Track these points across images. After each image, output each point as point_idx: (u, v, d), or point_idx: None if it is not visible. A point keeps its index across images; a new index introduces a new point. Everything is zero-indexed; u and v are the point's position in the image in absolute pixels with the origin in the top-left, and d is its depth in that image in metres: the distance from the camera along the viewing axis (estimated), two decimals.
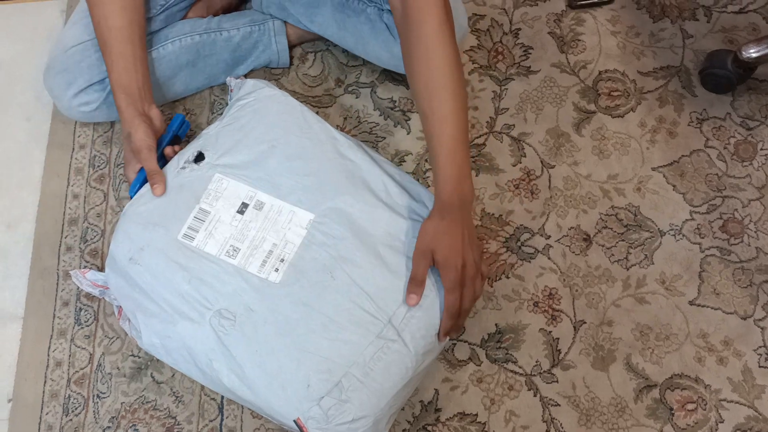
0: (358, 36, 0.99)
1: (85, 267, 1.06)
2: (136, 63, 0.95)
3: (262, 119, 0.93)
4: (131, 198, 0.91)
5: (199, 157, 0.91)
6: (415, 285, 0.83)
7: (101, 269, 1.05)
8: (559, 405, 0.95)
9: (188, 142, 0.96)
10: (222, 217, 0.87)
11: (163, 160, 0.93)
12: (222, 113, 0.99)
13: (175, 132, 0.97)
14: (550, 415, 0.95)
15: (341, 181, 0.90)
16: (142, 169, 0.90)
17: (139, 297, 0.86)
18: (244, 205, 0.88)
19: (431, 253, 0.82)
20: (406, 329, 0.83)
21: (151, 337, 0.85)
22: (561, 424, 0.94)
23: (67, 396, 0.98)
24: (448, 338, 0.87)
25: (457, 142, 0.83)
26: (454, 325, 0.84)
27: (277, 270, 0.85)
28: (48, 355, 1.01)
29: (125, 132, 0.92)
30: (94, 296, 1.04)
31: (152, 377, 0.98)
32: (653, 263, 1.03)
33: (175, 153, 0.93)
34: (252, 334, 0.82)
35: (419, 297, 0.83)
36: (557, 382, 0.97)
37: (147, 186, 0.90)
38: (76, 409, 0.97)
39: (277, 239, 0.87)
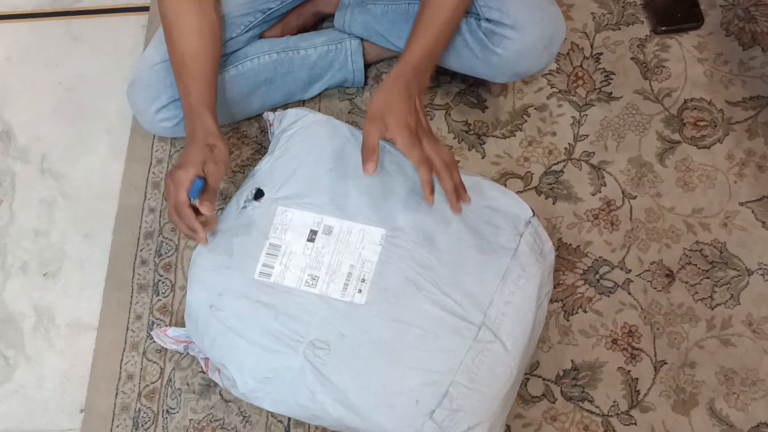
0: (451, 50, 0.97)
1: (159, 280, 1.07)
2: (212, 86, 0.94)
3: (313, 145, 0.93)
4: (190, 198, 0.85)
5: (258, 194, 0.91)
6: (367, 152, 0.79)
7: (173, 286, 1.06)
8: None
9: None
10: (294, 249, 0.87)
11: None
12: (270, 149, 0.98)
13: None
14: None
15: (403, 192, 0.89)
16: (196, 179, 0.84)
17: (227, 343, 0.85)
18: (313, 233, 0.87)
19: (382, 117, 0.79)
20: (501, 328, 0.82)
21: (247, 382, 0.84)
22: None
23: (137, 410, 0.99)
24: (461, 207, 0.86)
25: (441, 33, 0.87)
26: (430, 180, 0.81)
27: (360, 291, 0.84)
28: (120, 368, 1.02)
29: (209, 141, 0.87)
30: (167, 310, 1.05)
31: (221, 395, 0.99)
32: (740, 303, 0.98)
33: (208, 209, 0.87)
34: (350, 360, 0.82)
35: (375, 164, 0.79)
36: (635, 424, 0.93)
37: (211, 232, 0.88)
38: (145, 423, 0.98)
39: (353, 260, 0.86)
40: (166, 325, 1.01)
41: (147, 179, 1.15)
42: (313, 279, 0.86)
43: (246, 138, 1.16)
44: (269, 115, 1.03)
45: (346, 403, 0.81)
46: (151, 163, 1.16)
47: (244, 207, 0.91)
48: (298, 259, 0.86)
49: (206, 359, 0.92)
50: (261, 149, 1.15)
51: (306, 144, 0.94)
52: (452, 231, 0.86)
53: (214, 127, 0.90)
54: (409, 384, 0.80)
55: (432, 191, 0.82)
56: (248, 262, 0.87)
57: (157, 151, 1.18)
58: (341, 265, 0.86)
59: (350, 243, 0.87)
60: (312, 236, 0.87)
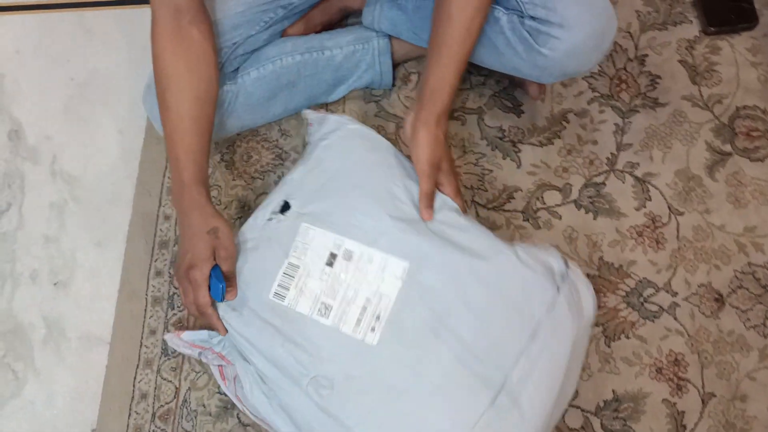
0: (490, 47, 0.90)
1: (174, 293, 1.02)
2: (206, 159, 0.87)
3: (347, 159, 0.87)
4: (217, 301, 0.82)
5: (285, 207, 0.85)
6: (430, 200, 0.82)
7: None
8: None
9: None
10: (311, 272, 0.81)
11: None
12: (304, 154, 0.92)
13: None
14: None
15: (440, 226, 0.82)
16: (214, 267, 0.81)
17: (237, 358, 0.81)
18: (333, 256, 0.81)
19: (439, 163, 0.83)
20: (523, 394, 0.74)
21: (255, 394, 0.80)
22: None
23: (151, 431, 0.94)
24: None
25: (460, 66, 0.84)
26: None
27: (373, 329, 0.78)
28: (133, 386, 0.97)
29: (209, 226, 0.82)
30: (182, 325, 1.00)
31: (238, 419, 0.94)
32: None
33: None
34: (353, 405, 0.76)
35: (431, 210, 0.82)
36: None
37: (240, 235, 0.86)
38: None
39: (370, 293, 0.79)
40: (181, 329, 0.95)
41: (162, 185, 1.09)
42: (326, 308, 0.80)
43: (266, 142, 1.10)
44: (309, 114, 0.96)
45: None
46: (165, 168, 1.10)
47: (270, 219, 0.85)
48: (313, 283, 0.80)
49: (220, 367, 0.87)
50: (282, 154, 1.09)
51: (340, 157, 0.88)
52: (483, 274, 0.79)
53: (211, 208, 0.84)
54: None
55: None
56: (265, 280, 0.82)
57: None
58: (357, 296, 0.80)
59: (369, 272, 0.80)
60: (331, 260, 0.81)
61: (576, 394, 0.90)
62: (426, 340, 0.76)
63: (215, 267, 0.80)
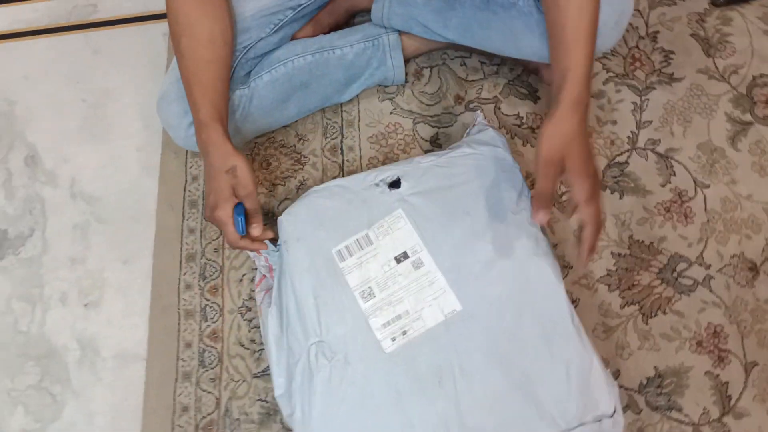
0: (507, 33, 0.90)
1: (206, 305, 1.02)
2: (223, 99, 0.88)
3: (475, 180, 0.87)
4: (240, 234, 0.83)
5: (395, 184, 0.87)
6: (544, 200, 0.72)
7: (222, 310, 1.01)
8: None
9: None
10: (378, 256, 0.83)
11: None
12: (449, 148, 0.93)
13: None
14: None
15: (512, 292, 0.81)
16: (238, 205, 0.83)
17: (276, 281, 0.85)
18: (405, 256, 0.82)
19: (562, 159, 0.71)
20: None
21: (272, 319, 0.85)
22: None
23: None
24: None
25: (591, 45, 0.75)
26: (594, 241, 0.73)
27: (393, 340, 0.79)
28: (174, 400, 0.97)
29: (227, 165, 0.83)
30: (217, 336, 1.00)
31: (281, 423, 0.93)
32: None
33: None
34: (336, 386, 0.78)
35: (548, 215, 0.73)
36: None
37: (338, 182, 0.88)
38: None
39: (412, 308, 0.80)
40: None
41: (183, 198, 1.09)
42: (370, 294, 0.81)
43: (284, 148, 1.10)
44: (478, 116, 0.97)
45: (306, 417, 0.78)
46: (186, 181, 1.10)
47: (377, 185, 0.88)
48: (374, 267, 0.82)
49: (263, 276, 0.91)
50: (300, 158, 1.09)
51: (471, 173, 0.88)
52: (518, 362, 0.77)
53: (228, 146, 0.84)
54: None
55: (590, 253, 0.74)
56: (338, 233, 0.85)
57: (191, 167, 1.12)
58: (400, 303, 0.81)
59: (424, 291, 0.81)
60: (401, 258, 0.82)
61: (618, 373, 0.90)
62: (427, 382, 0.77)
63: (239, 204, 0.82)
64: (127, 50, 1.25)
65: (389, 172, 0.89)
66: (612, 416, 0.77)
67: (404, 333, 0.80)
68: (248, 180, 0.83)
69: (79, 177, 1.15)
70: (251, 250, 0.86)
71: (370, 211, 0.86)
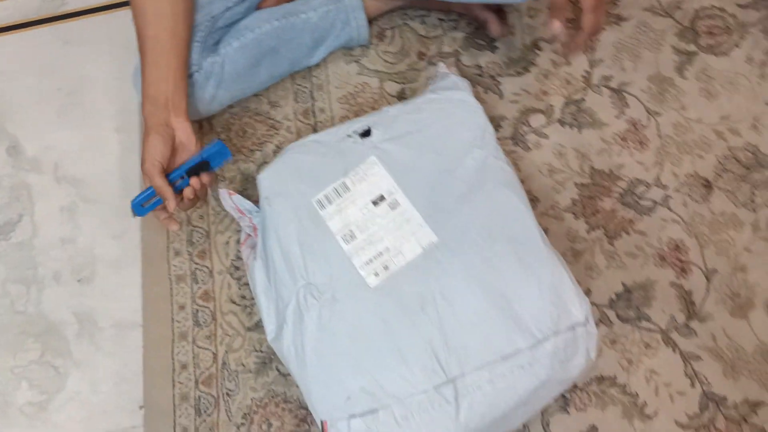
0: None
1: (196, 269, 1.06)
2: (169, 71, 0.92)
3: (441, 121, 0.92)
4: (131, 208, 0.92)
5: (367, 133, 0.92)
6: (558, 10, 0.83)
7: (211, 272, 1.05)
8: (701, 358, 0.91)
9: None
10: (356, 200, 0.87)
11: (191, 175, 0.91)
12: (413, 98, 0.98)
13: (206, 158, 0.92)
14: (692, 369, 0.91)
15: (484, 220, 0.86)
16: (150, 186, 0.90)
17: (261, 235, 0.90)
18: (381, 198, 0.87)
19: None
20: (467, 398, 0.78)
21: (259, 269, 0.90)
22: (705, 378, 0.90)
23: (197, 397, 0.99)
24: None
25: None
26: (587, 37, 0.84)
27: (377, 274, 0.84)
28: (173, 359, 1.01)
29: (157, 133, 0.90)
30: (209, 296, 1.04)
31: (278, 370, 0.98)
32: None
33: (202, 184, 0.92)
34: (326, 322, 0.82)
35: (563, 24, 0.83)
36: (696, 335, 0.93)
37: (312, 137, 0.93)
38: (207, 409, 0.98)
39: (392, 245, 0.85)
40: (233, 192, 1.00)
41: None
42: (351, 237, 0.86)
43: (258, 116, 1.15)
44: (440, 66, 1.02)
45: (299, 352, 0.82)
46: None
47: (349, 136, 0.92)
48: (353, 211, 0.87)
49: (248, 235, 0.96)
50: (275, 124, 1.14)
51: (437, 116, 0.93)
52: (494, 282, 0.82)
53: (148, 123, 0.90)
54: (354, 380, 0.79)
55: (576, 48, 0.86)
56: (317, 184, 0.89)
57: None
58: (380, 242, 0.85)
59: (402, 228, 0.86)
60: (378, 201, 0.87)
61: (588, 291, 0.96)
62: (411, 309, 0.82)
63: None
64: (98, 38, 1.28)
65: (360, 123, 0.94)
66: (585, 324, 0.83)
67: (386, 268, 0.85)
68: (144, 157, 0.88)
69: (62, 162, 1.19)
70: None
71: (345, 161, 0.91)
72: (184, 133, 0.91)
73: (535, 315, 0.82)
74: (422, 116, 0.93)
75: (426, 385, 0.79)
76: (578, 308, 0.83)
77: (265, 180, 0.94)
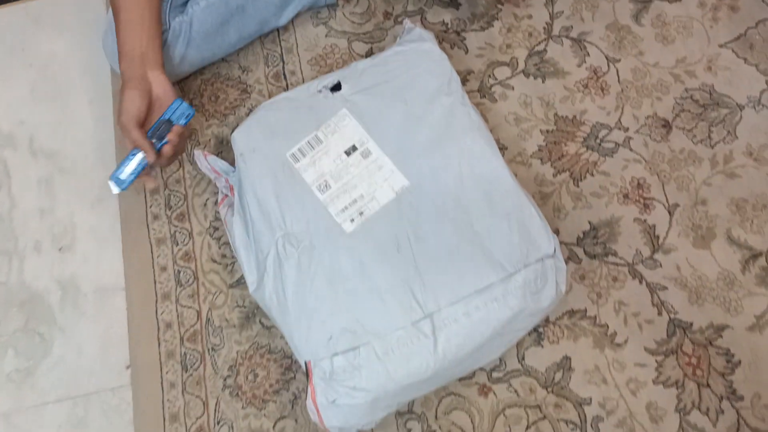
0: None
1: (175, 231, 1.08)
2: (143, 27, 0.94)
3: (408, 71, 0.95)
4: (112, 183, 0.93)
5: (337, 87, 0.94)
6: None
7: (191, 234, 1.07)
8: (667, 288, 0.96)
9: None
10: (329, 152, 0.90)
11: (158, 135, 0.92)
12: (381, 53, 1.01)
13: (170, 118, 0.93)
14: (659, 298, 0.95)
15: (453, 162, 0.90)
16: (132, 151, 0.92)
17: (237, 192, 0.93)
18: (353, 148, 0.90)
19: None
20: (444, 331, 0.82)
21: (238, 224, 0.93)
22: (672, 306, 0.95)
23: (183, 354, 1.01)
24: None
25: None
26: None
27: (352, 220, 0.87)
28: (157, 319, 1.03)
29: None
30: (190, 257, 1.06)
31: (261, 323, 1.00)
32: (737, 137, 1.02)
33: (180, 133, 0.92)
34: (305, 268, 0.85)
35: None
36: (661, 266, 0.97)
37: (284, 95, 0.96)
38: (194, 363, 1.00)
39: (366, 191, 0.88)
40: (208, 153, 1.02)
41: None
42: (326, 186, 0.88)
43: (229, 80, 1.17)
44: (406, 22, 1.05)
45: (281, 299, 0.85)
46: None
47: (320, 91, 0.95)
48: (327, 162, 0.89)
49: (225, 196, 0.99)
50: (246, 88, 1.16)
51: (404, 67, 0.95)
52: (465, 221, 0.86)
53: (124, 77, 0.91)
54: (335, 320, 0.82)
55: None
56: (290, 139, 0.92)
57: None
58: (354, 189, 0.88)
59: (375, 175, 0.89)
60: (350, 150, 0.90)
61: (557, 231, 1.00)
62: (387, 250, 0.85)
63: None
64: (67, 15, 1.29)
65: (330, 78, 0.97)
66: (553, 257, 0.87)
67: (361, 213, 0.88)
68: (120, 111, 0.90)
69: (36, 135, 1.20)
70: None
71: (317, 115, 0.94)
72: (161, 86, 0.93)
73: (505, 250, 0.85)
74: (390, 68, 0.96)
75: (404, 321, 0.82)
76: (546, 241, 0.86)
77: (239, 137, 0.96)
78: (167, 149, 0.92)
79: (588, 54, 1.10)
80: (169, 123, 0.93)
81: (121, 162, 0.93)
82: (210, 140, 1.13)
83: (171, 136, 0.92)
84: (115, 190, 0.93)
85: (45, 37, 1.27)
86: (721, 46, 1.08)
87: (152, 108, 0.93)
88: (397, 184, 0.89)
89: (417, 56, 0.97)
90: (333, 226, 0.87)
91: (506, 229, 0.86)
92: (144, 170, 0.93)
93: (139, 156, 0.92)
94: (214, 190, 1.09)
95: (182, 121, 0.93)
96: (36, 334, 1.06)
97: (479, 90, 1.10)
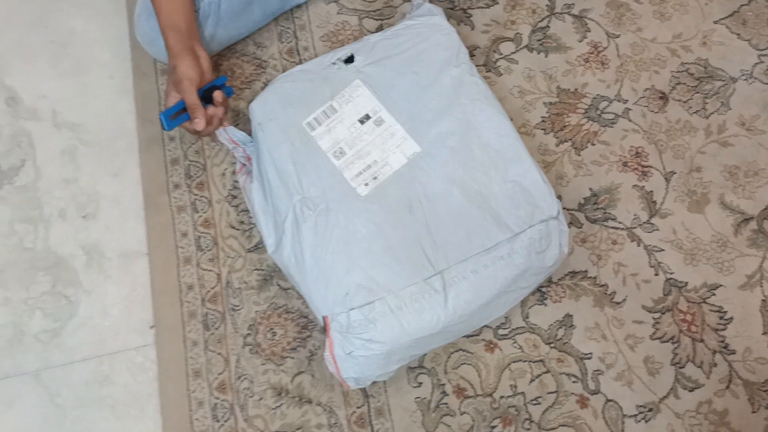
0: None
1: (195, 199, 1.13)
2: (184, 3, 1.00)
3: (418, 44, 1.00)
4: (161, 121, 0.99)
5: (350, 59, 0.99)
6: None
7: (210, 201, 1.12)
8: (663, 250, 1.01)
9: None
10: (344, 120, 0.95)
11: (204, 102, 0.99)
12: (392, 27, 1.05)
13: (216, 86, 0.99)
14: (656, 260, 1.01)
15: (461, 129, 0.95)
16: (180, 101, 0.97)
17: (256, 160, 0.98)
18: (367, 117, 0.95)
19: None
20: (454, 287, 0.87)
21: (256, 190, 0.98)
22: (668, 266, 1.00)
23: (204, 314, 1.06)
24: None
25: None
26: None
27: (366, 185, 0.92)
28: (179, 281, 1.08)
29: (171, 66, 0.97)
30: (210, 224, 1.11)
31: (278, 285, 1.06)
32: (730, 108, 1.08)
33: (222, 97, 0.99)
34: (322, 230, 0.90)
35: None
36: (658, 230, 1.02)
37: (300, 67, 0.99)
38: (215, 323, 1.05)
39: (379, 157, 0.93)
40: (227, 123, 1.07)
41: (158, 113, 1.19)
42: (341, 153, 0.93)
43: (245, 56, 1.21)
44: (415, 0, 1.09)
45: (299, 259, 0.90)
46: (159, 97, 1.21)
47: (334, 63, 1.00)
48: (341, 129, 0.94)
49: (243, 165, 1.04)
50: (261, 63, 1.20)
51: (414, 40, 1.00)
52: (473, 184, 0.91)
53: (176, 48, 0.96)
54: (350, 277, 0.87)
55: None
56: (306, 109, 0.97)
57: (162, 85, 1.22)
58: (368, 155, 0.93)
59: (387, 142, 0.94)
60: (364, 119, 0.95)
61: (560, 198, 1.05)
62: (399, 212, 0.91)
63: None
64: None
65: (344, 51, 1.02)
66: (556, 218, 0.92)
67: (375, 178, 0.93)
68: (182, 77, 0.95)
69: (59, 109, 1.25)
70: (208, 133, 0.99)
71: (332, 86, 0.99)
72: (206, 60, 0.99)
73: (511, 211, 0.91)
74: (401, 41, 1.01)
75: (416, 278, 0.88)
76: (550, 204, 0.92)
77: (257, 108, 1.01)
78: (211, 110, 0.98)
79: (589, 30, 1.15)
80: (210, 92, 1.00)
81: (175, 105, 0.98)
82: (227, 113, 1.17)
83: (217, 94, 0.98)
84: (162, 128, 1.01)
85: (65, 14, 1.32)
86: (715, 22, 1.14)
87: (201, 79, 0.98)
88: (409, 149, 0.94)
89: (427, 29, 1.02)
90: (348, 191, 0.93)
91: (512, 192, 0.92)
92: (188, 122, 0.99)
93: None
94: (232, 161, 1.14)
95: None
96: (63, 297, 1.11)
97: (485, 64, 1.15)
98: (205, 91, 0.99)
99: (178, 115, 0.99)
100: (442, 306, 0.87)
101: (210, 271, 1.08)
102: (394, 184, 0.92)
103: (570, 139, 1.08)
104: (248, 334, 1.03)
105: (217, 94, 0.98)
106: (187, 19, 0.99)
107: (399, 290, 0.87)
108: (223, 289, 1.07)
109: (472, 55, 1.16)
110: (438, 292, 0.87)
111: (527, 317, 0.99)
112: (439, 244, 0.89)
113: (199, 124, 0.96)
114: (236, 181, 1.12)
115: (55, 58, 1.28)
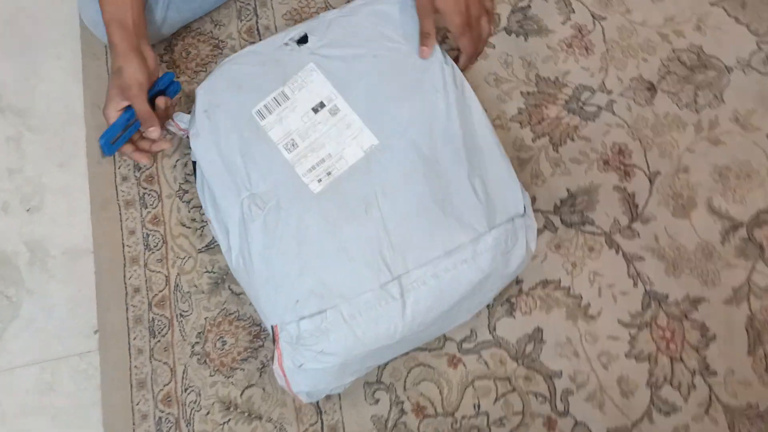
0: None
1: (144, 194, 1.06)
2: (127, 3, 0.90)
3: (378, 23, 0.90)
4: (101, 147, 0.90)
5: (303, 40, 0.90)
6: (425, 38, 0.84)
7: (160, 196, 1.05)
8: (644, 258, 0.93)
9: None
10: (297, 109, 0.86)
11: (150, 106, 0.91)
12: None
13: (161, 89, 0.92)
14: (635, 269, 0.93)
15: (425, 120, 0.85)
16: (126, 110, 0.89)
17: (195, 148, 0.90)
18: (321, 105, 0.86)
19: (432, 3, 0.82)
20: (413, 293, 0.79)
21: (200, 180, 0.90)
22: (648, 277, 0.92)
23: (150, 319, 0.99)
24: None
25: None
26: (469, 62, 0.88)
27: (320, 181, 0.83)
28: (125, 283, 1.02)
29: (115, 66, 0.88)
30: (159, 220, 1.04)
31: (230, 290, 0.99)
32: (724, 102, 0.98)
33: (166, 104, 0.91)
34: (272, 230, 0.82)
35: (431, 49, 0.85)
36: (639, 236, 0.94)
37: (249, 48, 0.90)
38: (162, 330, 0.99)
39: (333, 150, 0.84)
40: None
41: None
42: (293, 145, 0.85)
43: (201, 35, 1.13)
44: None
45: (247, 262, 0.82)
46: (108, 81, 1.12)
47: (286, 44, 0.90)
48: (293, 119, 0.86)
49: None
50: (218, 43, 1.12)
51: (373, 17, 0.90)
52: (435, 181, 0.83)
53: (122, 47, 0.88)
54: (301, 283, 0.80)
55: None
56: (256, 95, 0.88)
57: (111, 67, 1.13)
58: (322, 148, 0.85)
59: (343, 133, 0.85)
60: (318, 107, 0.86)
61: (534, 199, 0.96)
62: (355, 211, 0.82)
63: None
64: None
65: (296, 31, 0.92)
66: (523, 216, 0.84)
67: (329, 174, 0.84)
68: (131, 82, 0.87)
69: (4, 92, 1.16)
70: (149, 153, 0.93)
71: (284, 69, 0.89)
72: (153, 60, 0.91)
73: (475, 210, 0.82)
74: (358, 18, 0.91)
75: (372, 283, 0.80)
76: (517, 201, 0.83)
77: (203, 93, 0.92)
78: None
79: (573, 11, 1.05)
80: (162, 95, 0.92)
81: (110, 127, 0.90)
82: (180, 98, 1.09)
83: (160, 101, 0.91)
84: (102, 156, 0.92)
85: None
86: (712, 4, 1.03)
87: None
88: (366, 142, 0.85)
89: (388, 7, 0.92)
90: (300, 187, 0.84)
91: (476, 189, 0.83)
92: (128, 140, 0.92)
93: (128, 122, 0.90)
94: (184, 152, 1.06)
95: (172, 96, 0.92)
96: (4, 297, 1.05)
97: (458, 48, 1.05)
98: (151, 97, 0.91)
99: (118, 137, 0.91)
100: (400, 314, 0.79)
101: (158, 272, 1.01)
102: (349, 180, 0.84)
103: (548, 134, 0.99)
104: (197, 343, 0.97)
105: (161, 101, 0.90)
106: (135, 13, 0.90)
107: (353, 297, 0.79)
108: (172, 293, 1.00)
109: (445, 38, 1.06)
110: (395, 299, 0.79)
111: (494, 330, 0.91)
112: (397, 246, 0.81)
113: (154, 132, 0.88)
114: (188, 174, 1.04)
115: (0, 37, 1.20)
